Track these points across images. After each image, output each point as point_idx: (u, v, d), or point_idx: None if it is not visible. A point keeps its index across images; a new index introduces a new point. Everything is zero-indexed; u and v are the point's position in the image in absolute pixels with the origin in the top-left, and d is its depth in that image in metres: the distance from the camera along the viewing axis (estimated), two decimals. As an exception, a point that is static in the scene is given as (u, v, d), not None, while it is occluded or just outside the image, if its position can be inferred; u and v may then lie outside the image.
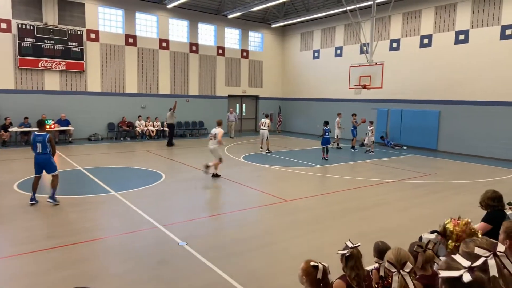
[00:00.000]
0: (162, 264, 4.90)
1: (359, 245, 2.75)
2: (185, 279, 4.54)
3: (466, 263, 1.61)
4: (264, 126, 15.60)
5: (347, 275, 2.67)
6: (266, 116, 16.31)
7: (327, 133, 13.80)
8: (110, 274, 4.69)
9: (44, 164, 7.50)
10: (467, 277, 1.54)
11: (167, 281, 4.48)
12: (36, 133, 7.50)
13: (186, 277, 4.61)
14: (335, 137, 17.05)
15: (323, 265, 2.50)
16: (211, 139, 10.52)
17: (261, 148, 15.66)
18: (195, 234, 6.02)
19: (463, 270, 1.58)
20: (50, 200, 7.44)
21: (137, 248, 5.44)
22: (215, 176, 10.31)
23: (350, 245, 2.72)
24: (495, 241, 2.23)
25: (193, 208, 7.61)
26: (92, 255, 5.21)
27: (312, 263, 2.48)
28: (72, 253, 5.20)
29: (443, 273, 1.62)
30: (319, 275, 2.42)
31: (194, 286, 4.39)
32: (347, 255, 2.67)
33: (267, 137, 15.46)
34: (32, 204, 7.38)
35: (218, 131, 10.43)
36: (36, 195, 7.52)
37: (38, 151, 7.42)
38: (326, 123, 14.12)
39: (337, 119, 17.13)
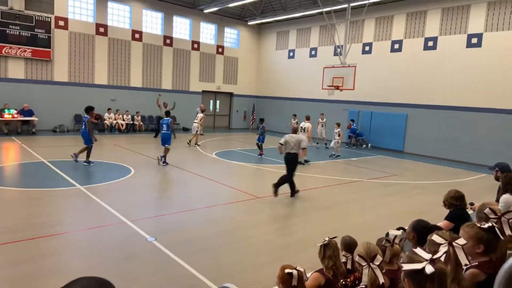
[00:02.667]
0: (130, 260, 4.77)
1: (336, 237, 2.91)
2: (154, 275, 4.44)
3: (427, 255, 1.66)
4: (196, 119, 15.71)
5: (324, 265, 2.71)
6: (203, 111, 16.43)
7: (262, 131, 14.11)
8: (73, 270, 4.50)
9: (164, 139, 11.23)
10: (429, 269, 1.60)
11: (134, 276, 4.37)
12: (164, 118, 11.71)
13: (155, 272, 4.51)
14: (319, 136, 17.65)
15: (297, 270, 2.46)
16: (301, 131, 12.82)
17: (189, 142, 15.58)
18: (164, 230, 5.91)
19: (425, 262, 1.63)
20: (162, 164, 10.86)
21: (103, 244, 5.26)
22: (305, 162, 12.46)
23: (327, 239, 2.85)
24: (456, 235, 2.34)
25: (163, 204, 7.46)
26: (53, 251, 4.99)
27: (287, 270, 2.45)
28: (31, 248, 4.96)
29: (406, 266, 1.68)
30: (294, 282, 2.40)
31: (162, 282, 4.30)
32: (325, 244, 2.78)
33: (197, 131, 15.50)
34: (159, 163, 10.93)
35: (307, 125, 12.90)
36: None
37: (163, 130, 11.33)
38: (261, 120, 14.39)
39: (319, 119, 17.56)
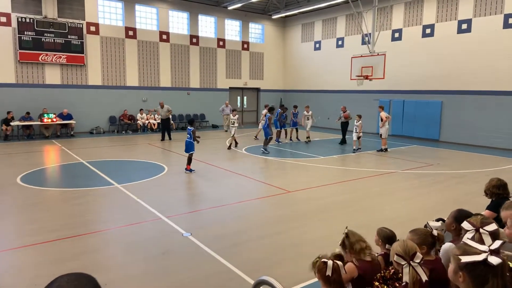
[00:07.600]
0: (167, 255, 4.92)
1: (346, 227, 2.83)
2: (190, 269, 4.56)
3: (484, 247, 1.57)
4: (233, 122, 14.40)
5: (357, 251, 2.64)
6: (233, 111, 15.13)
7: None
8: (115, 265, 4.71)
9: (265, 132, 13.34)
10: (495, 260, 1.50)
11: (172, 271, 4.51)
12: (272, 115, 14.48)
13: (191, 267, 4.63)
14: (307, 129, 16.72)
15: (334, 262, 2.40)
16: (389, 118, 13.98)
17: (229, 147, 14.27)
18: (199, 225, 6.04)
19: (486, 254, 1.53)
20: (265, 150, 13.01)
21: (142, 240, 5.46)
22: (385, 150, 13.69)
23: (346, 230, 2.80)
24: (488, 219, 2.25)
25: (197, 200, 7.62)
26: (96, 247, 5.24)
27: (323, 259, 2.40)
28: (76, 245, 5.23)
29: (464, 258, 1.57)
30: (328, 272, 2.34)
31: (199, 276, 4.41)
32: (346, 233, 2.72)
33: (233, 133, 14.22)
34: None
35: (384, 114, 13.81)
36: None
37: (265, 125, 13.48)
38: (191, 122, 10.54)
39: (304, 112, 16.70)
